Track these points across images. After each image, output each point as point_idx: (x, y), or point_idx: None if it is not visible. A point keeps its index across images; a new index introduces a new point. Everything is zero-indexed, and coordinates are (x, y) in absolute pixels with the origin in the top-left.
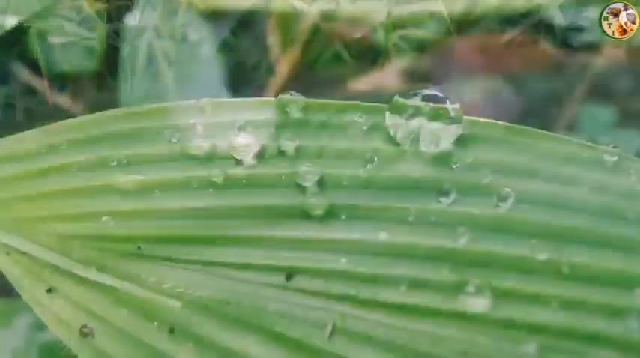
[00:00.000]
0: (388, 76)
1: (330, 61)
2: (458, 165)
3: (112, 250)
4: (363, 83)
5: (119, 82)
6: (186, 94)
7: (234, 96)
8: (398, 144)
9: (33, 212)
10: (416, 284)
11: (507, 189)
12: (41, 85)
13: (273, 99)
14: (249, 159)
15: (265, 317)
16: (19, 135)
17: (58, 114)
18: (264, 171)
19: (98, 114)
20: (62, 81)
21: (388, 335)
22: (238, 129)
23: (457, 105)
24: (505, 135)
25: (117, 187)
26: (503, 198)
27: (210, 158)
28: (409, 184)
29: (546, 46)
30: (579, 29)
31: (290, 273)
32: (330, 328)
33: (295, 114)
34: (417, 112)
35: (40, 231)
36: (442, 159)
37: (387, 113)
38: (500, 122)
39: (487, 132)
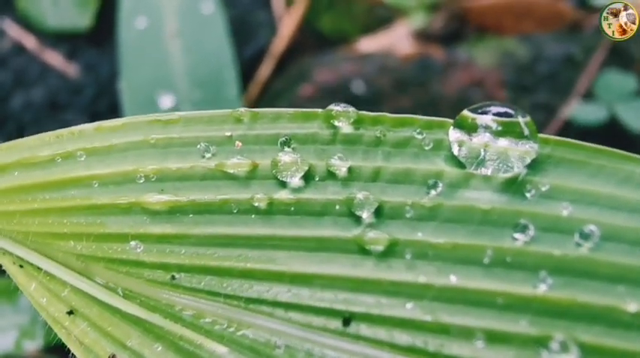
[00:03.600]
0: (398, 37)
1: (336, 20)
2: (533, 193)
3: (140, 276)
4: (371, 43)
5: (116, 41)
6: (190, 58)
7: (235, 56)
8: (463, 166)
9: (48, 227)
10: (492, 338)
11: (591, 227)
12: (32, 43)
13: (320, 110)
14: (295, 180)
15: None
16: (27, 140)
17: (50, 74)
18: (313, 197)
19: (119, 121)
20: (55, 39)
21: None
22: (281, 144)
23: (528, 118)
24: (583, 156)
25: (145, 207)
26: (585, 236)
27: (250, 178)
28: (479, 216)
29: (564, 6)
30: None
31: (347, 318)
32: None
33: (345, 128)
34: (484, 128)
35: (56, 248)
36: (514, 186)
37: (451, 128)
38: (575, 141)
39: (562, 153)
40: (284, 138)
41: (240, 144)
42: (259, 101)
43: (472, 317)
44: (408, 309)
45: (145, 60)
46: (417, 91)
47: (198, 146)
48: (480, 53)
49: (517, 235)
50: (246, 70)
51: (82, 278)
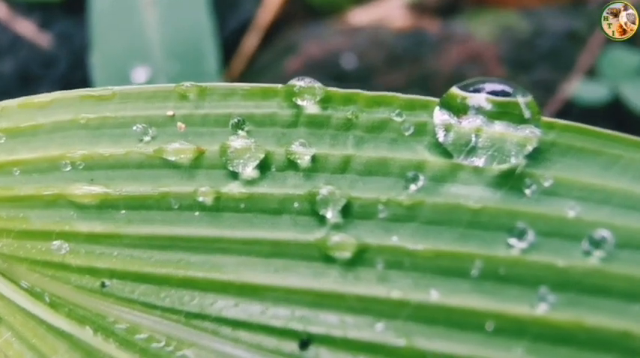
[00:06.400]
0: (392, 9)
1: None
2: (533, 189)
3: (67, 282)
4: (363, 15)
5: (88, 9)
6: (167, 27)
7: (217, 27)
8: (450, 156)
9: None
10: None
11: (602, 232)
12: (2, 11)
13: (280, 86)
14: (248, 171)
15: None
16: None
17: (21, 45)
18: (269, 191)
19: (47, 96)
20: (26, 7)
21: None
22: (233, 127)
23: (530, 98)
24: (595, 144)
25: (71, 200)
26: (596, 243)
27: (195, 166)
28: (467, 218)
29: None
30: None
31: (305, 340)
32: None
33: (311, 108)
34: (475, 110)
35: None
36: (511, 180)
37: (437, 109)
38: (586, 126)
39: (570, 140)
40: (236, 120)
41: (183, 126)
42: (243, 75)
43: (455, 343)
44: (378, 331)
45: (118, 29)
46: (410, 67)
47: (135, 127)
48: (477, 27)
49: (513, 241)
50: (230, 43)
51: (5, 280)
